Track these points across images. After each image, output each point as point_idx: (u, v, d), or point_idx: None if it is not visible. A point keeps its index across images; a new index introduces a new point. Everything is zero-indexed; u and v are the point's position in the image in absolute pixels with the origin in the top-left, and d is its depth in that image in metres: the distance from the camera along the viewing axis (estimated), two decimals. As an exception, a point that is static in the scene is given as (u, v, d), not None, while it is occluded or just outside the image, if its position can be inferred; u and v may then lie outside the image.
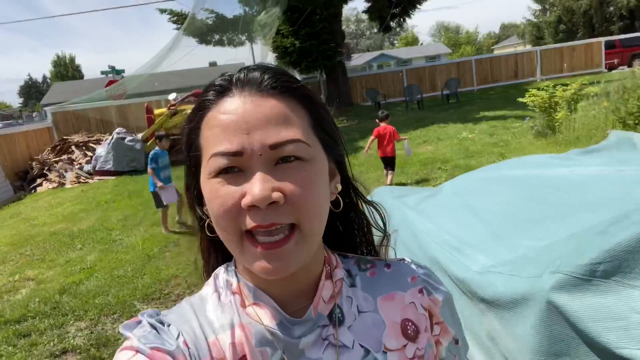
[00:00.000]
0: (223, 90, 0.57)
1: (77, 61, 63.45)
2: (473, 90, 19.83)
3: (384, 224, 0.72)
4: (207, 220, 0.60)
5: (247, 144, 0.53)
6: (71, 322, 3.96)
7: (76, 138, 13.45)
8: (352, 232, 0.71)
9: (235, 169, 0.54)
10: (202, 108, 0.58)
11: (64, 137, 13.61)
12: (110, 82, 19.17)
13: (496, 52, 41.26)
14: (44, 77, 70.02)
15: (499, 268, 1.53)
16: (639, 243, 1.13)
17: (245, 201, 0.51)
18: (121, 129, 12.74)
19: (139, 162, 11.65)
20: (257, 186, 0.51)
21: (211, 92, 0.58)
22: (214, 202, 0.54)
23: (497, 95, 16.94)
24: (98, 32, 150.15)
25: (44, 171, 11.88)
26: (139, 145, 11.93)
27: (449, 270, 1.78)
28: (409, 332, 0.63)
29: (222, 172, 0.54)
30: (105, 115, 14.77)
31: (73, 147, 12.98)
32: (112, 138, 11.96)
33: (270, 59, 18.12)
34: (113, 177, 11.34)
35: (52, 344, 3.43)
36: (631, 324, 1.07)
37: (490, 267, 1.58)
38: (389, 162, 6.86)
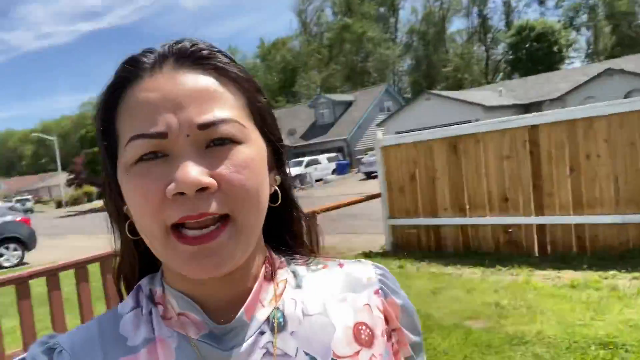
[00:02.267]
0: (144, 64, 0.50)
1: None
2: None
3: (312, 238, 0.65)
4: (129, 221, 0.53)
5: (173, 123, 0.46)
6: None
7: None
8: (293, 233, 0.63)
9: (158, 154, 0.47)
10: (118, 86, 0.51)
11: None
12: None
13: None
14: None
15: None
16: None
17: (171, 188, 0.45)
18: None
19: None
20: (184, 169, 0.44)
21: (130, 67, 0.50)
22: (134, 195, 0.48)
23: None
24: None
25: None
26: None
27: None
28: (363, 336, 0.56)
29: (143, 160, 0.47)
30: None
31: None
32: None
33: None
34: None
35: None
36: None
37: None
38: None
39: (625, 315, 3.60)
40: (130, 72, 0.50)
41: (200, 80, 0.49)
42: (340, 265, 0.62)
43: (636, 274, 4.48)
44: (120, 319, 0.55)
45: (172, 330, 0.52)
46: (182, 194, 0.45)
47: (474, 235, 6.14)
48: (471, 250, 6.10)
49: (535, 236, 5.65)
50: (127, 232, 0.53)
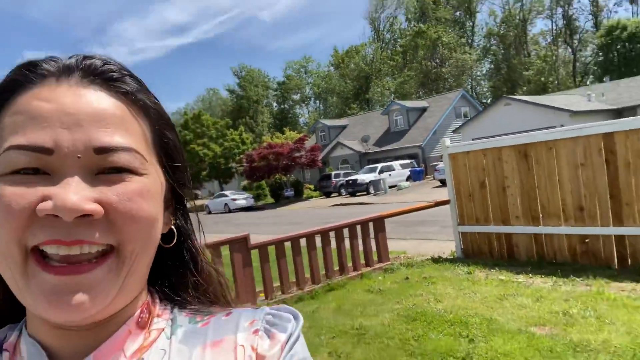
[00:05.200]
0: (43, 71, 0.45)
1: None
2: None
3: (217, 289, 0.59)
4: None
5: (64, 141, 0.41)
6: None
7: None
8: (186, 279, 0.57)
9: (39, 171, 0.41)
10: (7, 89, 0.45)
11: None
12: None
13: None
14: None
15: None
16: None
17: (46, 206, 0.38)
18: None
19: None
20: (65, 190, 0.39)
21: (27, 71, 0.45)
22: None
23: None
24: None
25: None
26: None
27: None
28: None
29: (19, 174, 0.41)
30: None
31: None
32: None
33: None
34: None
35: None
36: None
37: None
38: None
39: None
40: (26, 76, 0.45)
41: (106, 102, 0.44)
42: (228, 314, 0.55)
43: None
44: None
45: None
46: (56, 216, 0.39)
47: (549, 245, 6.01)
48: (545, 260, 5.97)
49: (614, 247, 5.44)
50: None
